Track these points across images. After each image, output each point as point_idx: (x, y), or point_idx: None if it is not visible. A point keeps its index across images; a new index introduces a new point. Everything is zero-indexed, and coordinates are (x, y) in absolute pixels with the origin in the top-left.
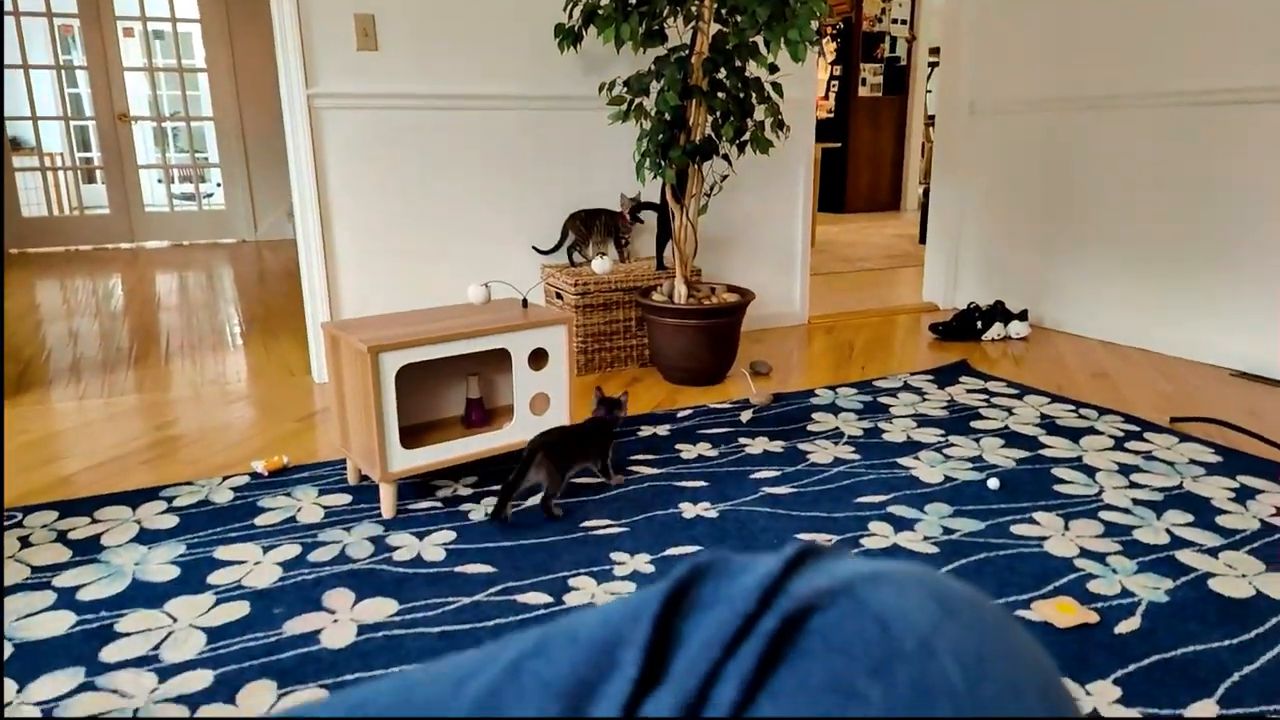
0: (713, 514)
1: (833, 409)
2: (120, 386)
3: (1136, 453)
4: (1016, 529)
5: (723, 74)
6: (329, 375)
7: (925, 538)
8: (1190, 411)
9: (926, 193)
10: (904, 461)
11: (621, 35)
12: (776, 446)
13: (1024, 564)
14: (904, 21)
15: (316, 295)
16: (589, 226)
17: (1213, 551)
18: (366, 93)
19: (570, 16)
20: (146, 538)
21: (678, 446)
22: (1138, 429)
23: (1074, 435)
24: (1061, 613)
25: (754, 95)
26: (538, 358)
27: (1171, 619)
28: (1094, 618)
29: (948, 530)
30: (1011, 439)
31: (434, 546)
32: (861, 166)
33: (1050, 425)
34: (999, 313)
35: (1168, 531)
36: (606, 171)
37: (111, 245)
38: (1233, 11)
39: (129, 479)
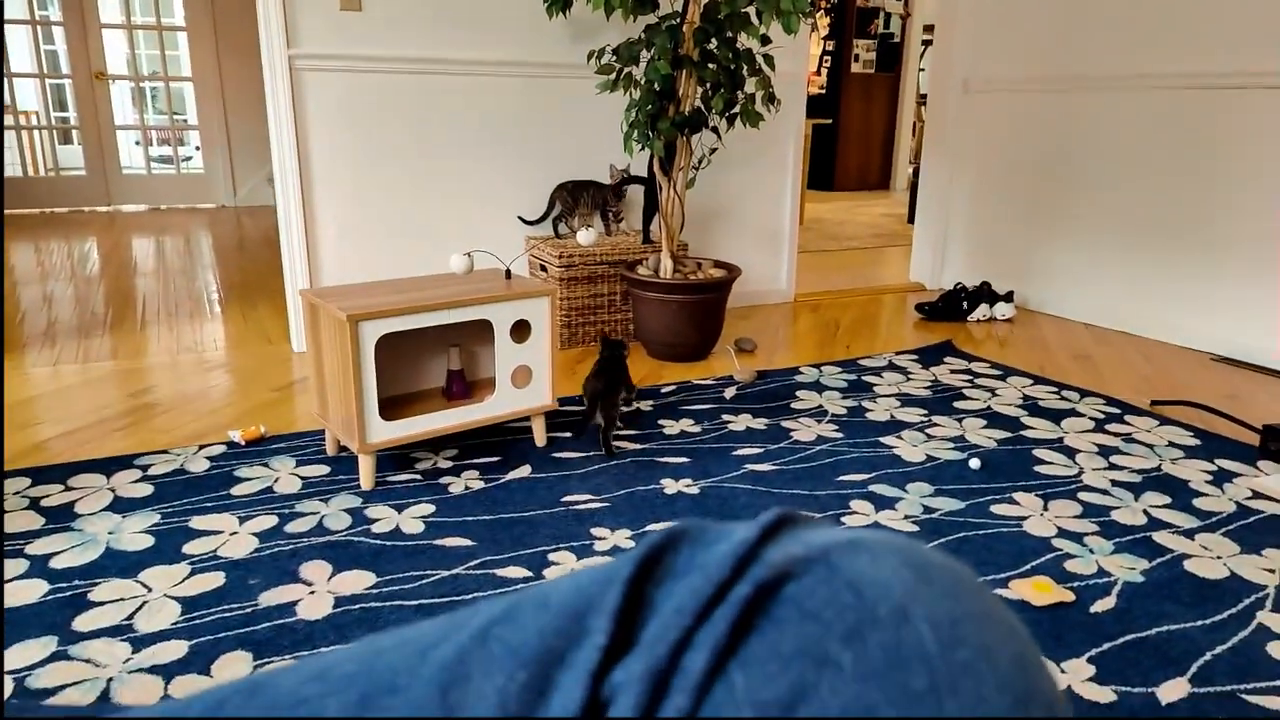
0: (695, 490)
1: (817, 387)
2: (95, 352)
3: (1116, 435)
4: (996, 509)
5: (714, 44)
6: (307, 344)
7: (906, 516)
8: (1171, 395)
9: (916, 172)
10: (887, 440)
11: (612, 2)
12: (760, 424)
13: (1002, 543)
14: None
15: (296, 263)
16: (576, 198)
17: (1189, 533)
18: (349, 54)
19: None
20: (121, 506)
21: (661, 422)
22: (1118, 411)
23: (1055, 417)
24: (1038, 591)
25: (745, 67)
26: (520, 330)
27: (1146, 599)
28: (1070, 597)
29: (928, 509)
30: (994, 420)
31: (413, 519)
32: (852, 144)
33: (1032, 406)
34: (985, 294)
35: (1145, 513)
36: (595, 142)
37: (88, 208)
38: None
39: (103, 446)
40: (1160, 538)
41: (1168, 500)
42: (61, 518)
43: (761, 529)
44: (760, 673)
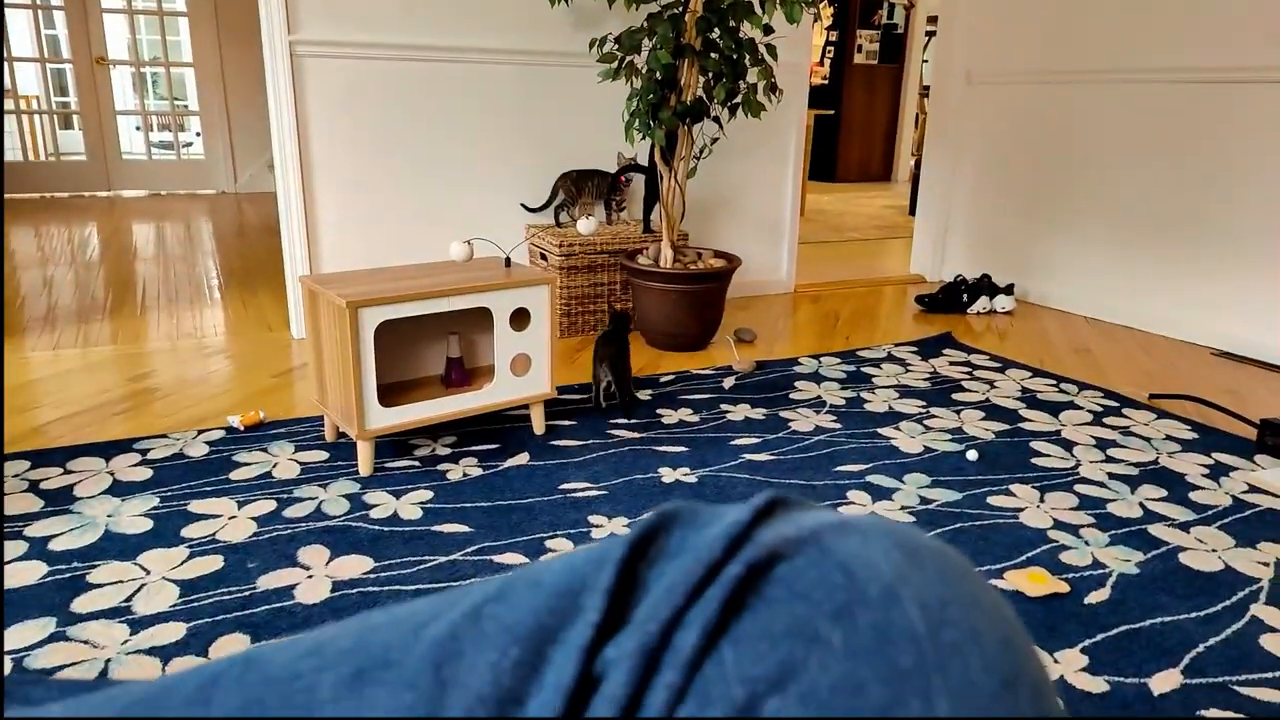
0: (692, 479)
1: (816, 378)
2: (95, 337)
3: (1114, 428)
4: (993, 500)
5: (716, 34)
6: (307, 330)
7: (903, 507)
8: (1170, 389)
9: (918, 164)
10: (884, 431)
11: None
12: (758, 414)
13: (998, 534)
14: None
15: (296, 249)
16: (580, 186)
17: (1184, 526)
18: (351, 41)
19: None
20: (120, 489)
21: (659, 411)
22: (1117, 405)
23: (1054, 409)
24: (1033, 582)
25: (747, 57)
26: (519, 318)
27: (1141, 591)
28: (1064, 588)
29: (925, 500)
30: (992, 412)
31: (411, 505)
32: (854, 135)
33: (1031, 399)
34: (985, 286)
35: (1141, 505)
36: (597, 131)
37: (88, 193)
38: None
39: (103, 430)
40: (1156, 530)
41: (1164, 493)
42: (61, 500)
43: (754, 511)
44: (751, 650)
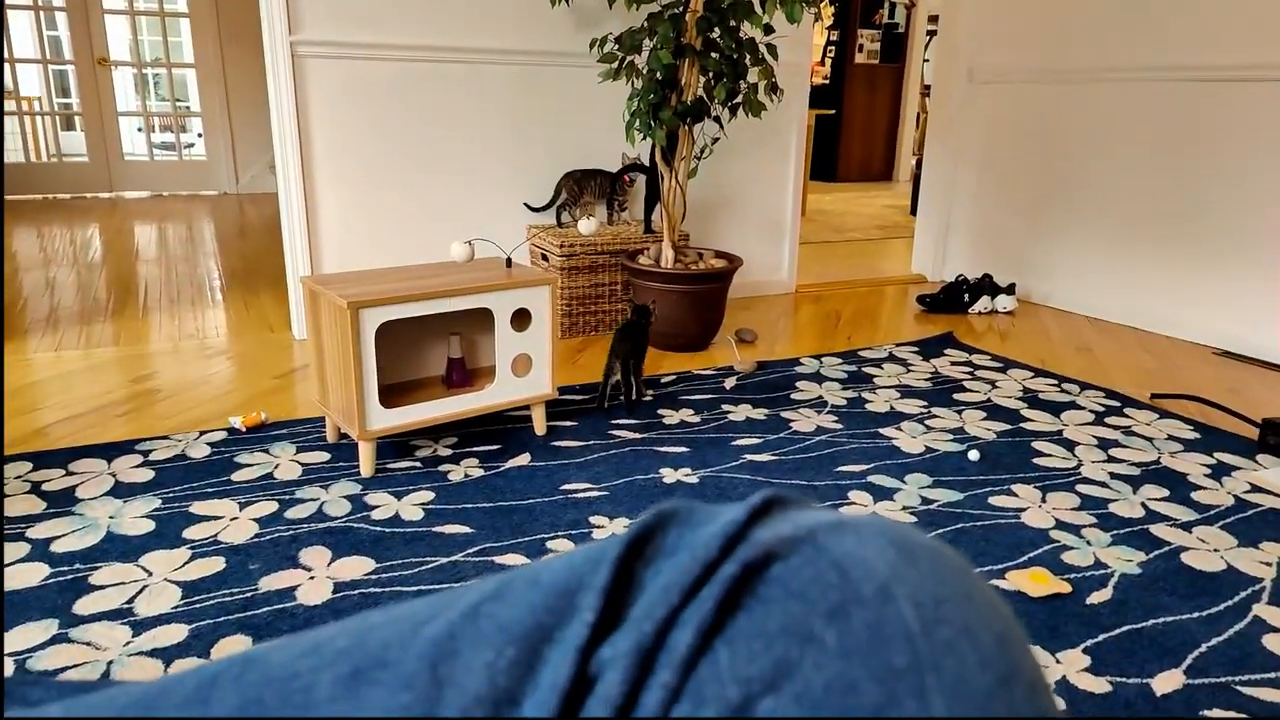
0: (693, 480)
1: (817, 378)
2: (97, 338)
3: (1116, 428)
4: (994, 500)
5: (717, 33)
6: (308, 331)
7: (904, 507)
8: (1172, 388)
9: (919, 164)
10: (886, 432)
11: None
12: (759, 414)
13: (1000, 535)
14: None
15: (297, 250)
16: (583, 186)
17: (1187, 526)
18: (352, 41)
19: None
20: (122, 491)
21: (660, 412)
22: (1119, 404)
23: (1055, 409)
24: (1035, 582)
25: (748, 56)
26: (520, 318)
27: (1143, 591)
28: (1066, 588)
29: (926, 500)
30: (993, 412)
31: (412, 506)
32: (855, 135)
33: (1032, 399)
34: (986, 286)
35: (1143, 505)
36: (598, 131)
37: (90, 194)
38: None
39: (105, 431)
40: (1158, 530)
41: (1166, 493)
42: (63, 502)
43: (750, 510)
44: (745, 649)
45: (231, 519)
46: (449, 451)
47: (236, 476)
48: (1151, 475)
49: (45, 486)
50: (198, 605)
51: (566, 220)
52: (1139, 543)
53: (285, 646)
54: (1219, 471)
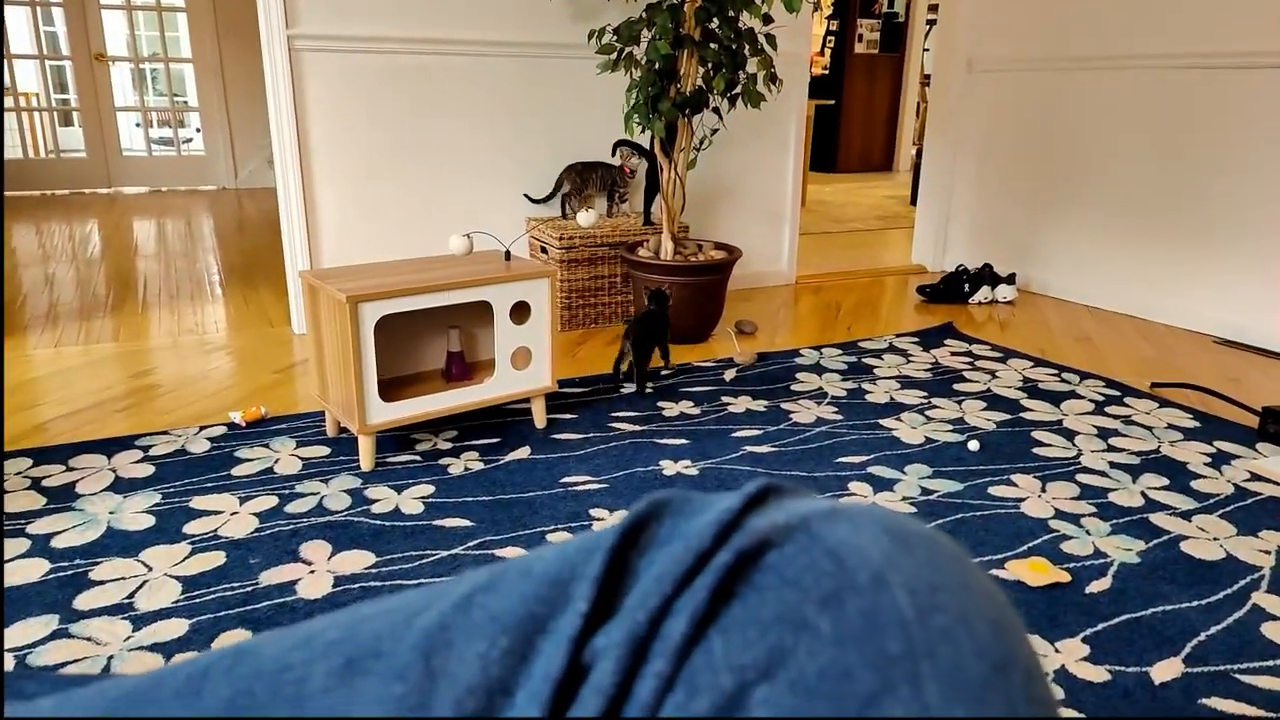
0: (693, 471)
1: (817, 369)
2: (97, 334)
3: (1116, 417)
4: (994, 490)
5: (715, 24)
6: (307, 326)
7: (904, 498)
8: (1172, 377)
9: (919, 154)
10: (886, 422)
11: None
12: (759, 405)
13: (1000, 524)
14: None
15: (296, 245)
16: (585, 178)
17: (1186, 515)
18: (349, 34)
19: None
20: (122, 486)
21: (660, 404)
22: (1118, 394)
23: (1055, 399)
24: (1034, 572)
25: (747, 47)
26: (520, 311)
27: (1142, 580)
28: (1066, 577)
29: (926, 491)
30: (993, 402)
31: (412, 500)
32: (855, 126)
33: (1032, 389)
34: (987, 276)
35: (1143, 494)
36: (597, 123)
37: (88, 190)
38: None
39: (105, 427)
40: (1157, 519)
41: (1166, 482)
42: (63, 498)
43: (745, 498)
44: (739, 638)
45: (232, 514)
46: (449, 445)
47: (236, 471)
48: (1151, 464)
49: (45, 482)
50: (198, 600)
51: (570, 212)
52: (1138, 532)
53: (278, 639)
54: (1218, 460)
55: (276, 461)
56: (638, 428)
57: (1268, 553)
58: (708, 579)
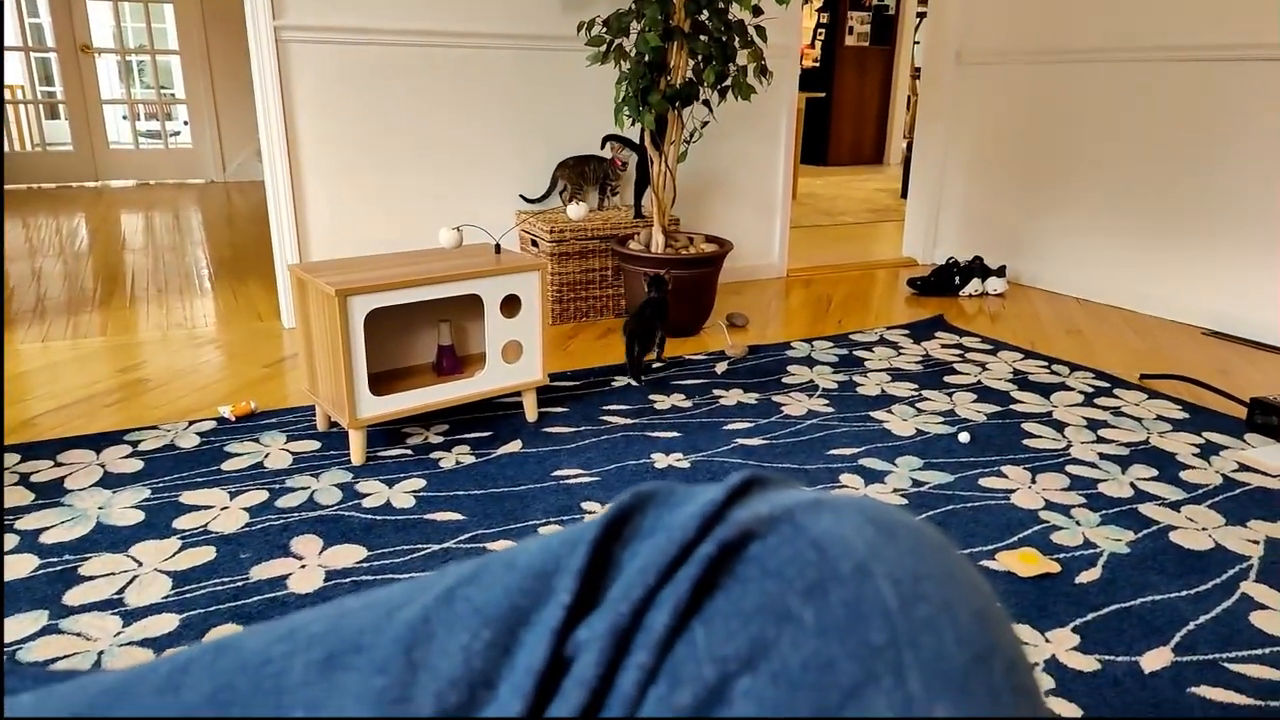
0: (685, 464)
1: (808, 362)
2: (85, 328)
3: (1105, 408)
4: (984, 481)
5: (705, 16)
6: (296, 320)
7: (895, 489)
8: (1161, 369)
9: (910, 147)
10: (877, 415)
11: None
12: (751, 398)
13: (990, 515)
14: None
15: (285, 238)
16: (580, 173)
17: (1175, 505)
18: (336, 25)
19: None
20: (111, 481)
21: (651, 397)
22: (1108, 385)
23: (1045, 391)
24: (1024, 562)
25: (737, 39)
26: (510, 305)
27: (1132, 570)
28: (1056, 568)
29: (917, 482)
30: (984, 394)
31: (403, 494)
32: (846, 118)
33: (1022, 381)
34: (977, 268)
35: (1132, 485)
36: (588, 115)
37: (75, 183)
38: None
39: (93, 422)
40: (1146, 510)
41: (1155, 473)
42: (51, 493)
43: (729, 490)
44: (722, 629)
45: (222, 508)
46: (440, 439)
47: (226, 466)
48: (1140, 455)
49: (34, 478)
50: (188, 595)
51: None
52: (1128, 522)
53: (260, 633)
54: (1207, 451)
55: (266, 456)
56: (629, 421)
57: (1256, 542)
58: (691, 570)
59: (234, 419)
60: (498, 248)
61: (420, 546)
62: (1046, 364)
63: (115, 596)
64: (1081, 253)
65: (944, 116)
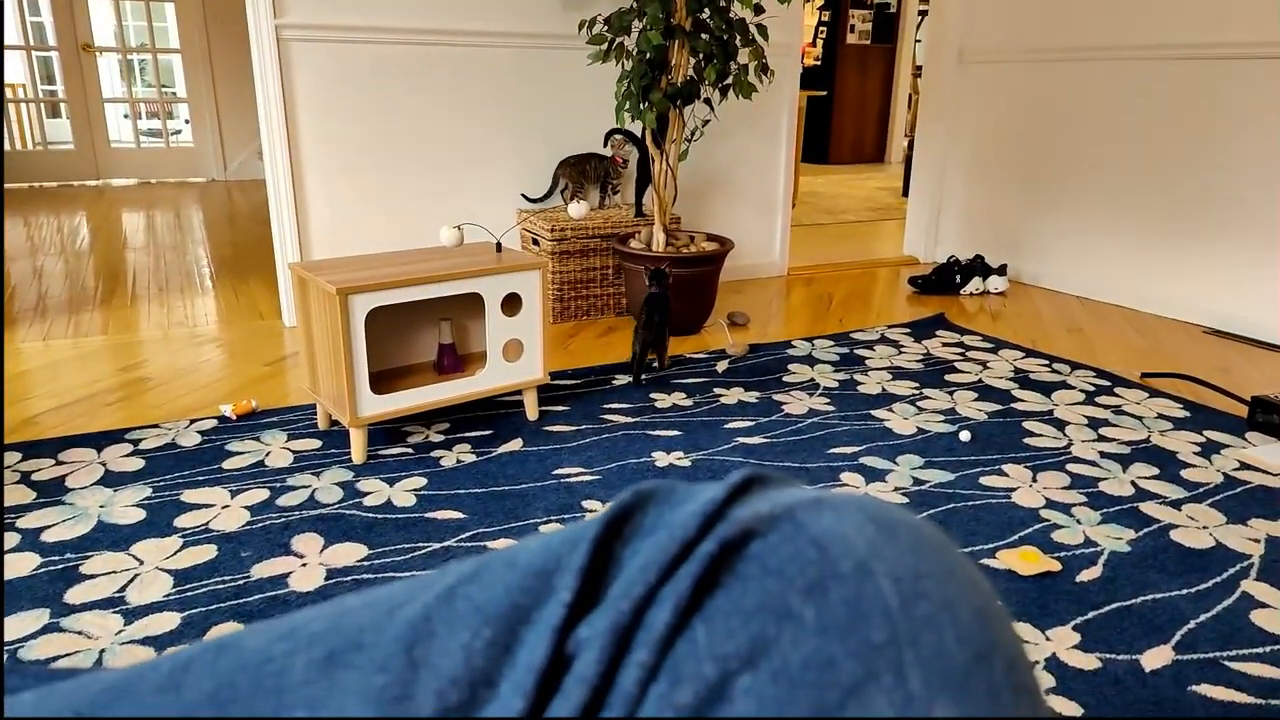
0: (686, 463)
1: (809, 360)
2: (86, 327)
3: (1106, 407)
4: (985, 480)
5: (706, 14)
6: (297, 318)
7: (896, 488)
8: (1162, 367)
9: (911, 145)
10: (878, 413)
11: None
12: (751, 397)
13: (991, 514)
14: None
15: (286, 237)
16: (582, 172)
17: (1176, 503)
18: (338, 24)
19: None
20: (112, 480)
21: (652, 396)
22: (1109, 384)
23: (1046, 389)
24: (1025, 561)
25: (738, 37)
26: (511, 303)
27: (1132, 568)
28: (1056, 566)
29: (918, 481)
30: (985, 392)
31: (404, 492)
32: (847, 117)
33: (1023, 379)
34: (978, 267)
35: (1133, 484)
36: (590, 114)
37: (77, 182)
38: None
39: (95, 421)
40: (1147, 508)
41: (1156, 471)
42: (53, 492)
43: (730, 488)
44: (722, 627)
45: (223, 507)
46: (441, 437)
47: (227, 464)
48: (1141, 454)
49: (35, 476)
50: (190, 593)
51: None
52: (1128, 521)
53: (261, 631)
54: (1208, 449)
55: (268, 454)
56: (630, 419)
57: (1257, 541)
58: (692, 568)
59: (235, 418)
60: (498, 246)
61: (421, 545)
62: (1047, 362)
63: (116, 595)
64: (1082, 251)
65: (945, 115)
